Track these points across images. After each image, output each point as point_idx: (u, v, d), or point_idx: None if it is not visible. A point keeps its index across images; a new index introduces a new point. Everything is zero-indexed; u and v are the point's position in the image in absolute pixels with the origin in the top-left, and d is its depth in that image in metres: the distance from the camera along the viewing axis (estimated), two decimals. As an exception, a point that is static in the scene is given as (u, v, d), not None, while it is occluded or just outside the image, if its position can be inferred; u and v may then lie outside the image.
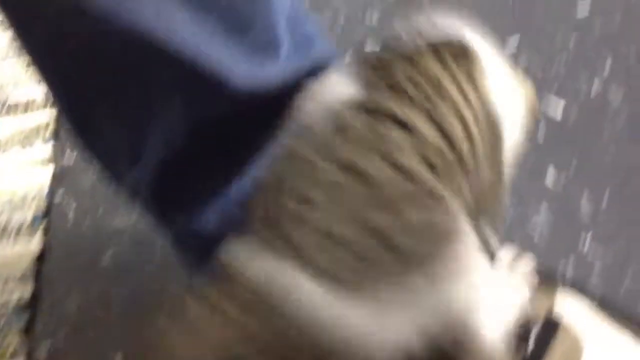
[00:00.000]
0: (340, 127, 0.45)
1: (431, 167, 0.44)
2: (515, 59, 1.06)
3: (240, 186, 0.56)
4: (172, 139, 0.54)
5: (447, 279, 0.42)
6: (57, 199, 0.97)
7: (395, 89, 0.46)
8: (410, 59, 0.47)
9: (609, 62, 1.02)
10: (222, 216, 0.56)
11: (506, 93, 0.49)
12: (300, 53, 0.58)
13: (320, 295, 0.41)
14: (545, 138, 0.91)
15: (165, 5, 0.49)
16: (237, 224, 0.56)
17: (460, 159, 0.44)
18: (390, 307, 0.42)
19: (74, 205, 0.95)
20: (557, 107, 0.95)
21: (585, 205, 0.83)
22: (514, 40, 1.09)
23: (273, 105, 0.56)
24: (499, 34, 1.06)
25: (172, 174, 0.56)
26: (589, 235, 0.80)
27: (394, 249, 0.42)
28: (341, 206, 0.42)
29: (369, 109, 0.45)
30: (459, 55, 0.48)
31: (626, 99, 0.94)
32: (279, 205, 0.43)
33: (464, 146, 0.45)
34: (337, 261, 0.41)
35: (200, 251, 0.60)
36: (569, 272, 0.78)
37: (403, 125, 0.44)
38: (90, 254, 0.91)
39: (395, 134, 0.44)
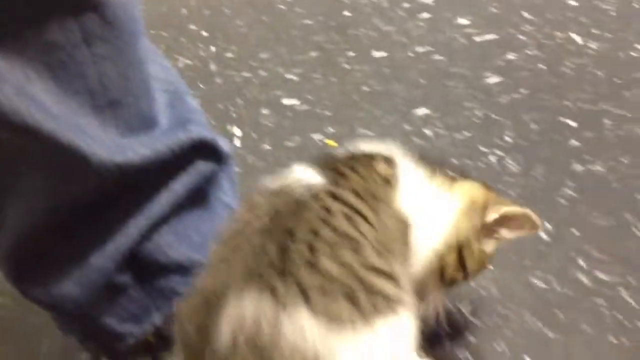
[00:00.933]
0: (325, 208, 0.55)
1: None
2: (423, 128, 1.10)
3: (103, 254, 0.56)
4: (32, 212, 0.54)
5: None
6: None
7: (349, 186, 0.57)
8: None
9: (511, 131, 1.06)
10: (83, 284, 0.56)
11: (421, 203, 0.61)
12: (179, 127, 0.60)
13: (321, 332, 0.48)
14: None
15: (27, 83, 0.49)
16: (102, 291, 0.57)
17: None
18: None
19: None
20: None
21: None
22: (421, 111, 1.14)
23: (145, 177, 0.57)
24: (408, 105, 1.14)
25: (30, 247, 0.56)
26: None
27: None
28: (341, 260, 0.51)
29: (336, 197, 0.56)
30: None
31: (524, 166, 0.99)
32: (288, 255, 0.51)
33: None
34: (335, 303, 0.49)
35: (67, 317, 0.60)
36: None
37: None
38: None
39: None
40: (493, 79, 1.21)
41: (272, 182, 0.59)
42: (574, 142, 1.03)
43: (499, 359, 0.73)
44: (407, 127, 1.11)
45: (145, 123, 0.57)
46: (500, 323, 0.77)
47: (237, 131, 1.12)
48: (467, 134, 1.08)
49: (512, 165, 1.00)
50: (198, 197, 0.62)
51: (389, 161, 0.62)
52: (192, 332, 0.50)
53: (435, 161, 0.66)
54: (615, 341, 0.73)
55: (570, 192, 0.94)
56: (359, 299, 0.50)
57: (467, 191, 0.65)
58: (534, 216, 0.63)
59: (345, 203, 0.56)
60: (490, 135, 1.06)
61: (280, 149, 1.08)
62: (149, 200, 0.57)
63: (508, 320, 0.78)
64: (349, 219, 0.55)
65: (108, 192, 0.55)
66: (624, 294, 0.78)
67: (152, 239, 0.58)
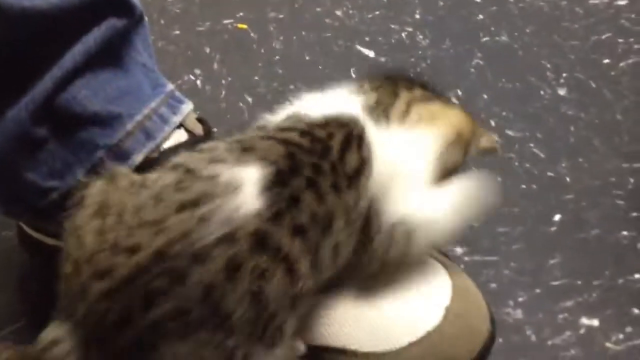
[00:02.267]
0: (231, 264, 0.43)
1: None
2: (335, 10, 1.09)
3: (18, 105, 0.54)
4: None
5: None
6: None
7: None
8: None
9: (420, 9, 1.08)
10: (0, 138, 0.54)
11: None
12: None
13: None
14: (358, 73, 0.96)
15: None
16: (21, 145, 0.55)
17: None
18: None
19: None
20: (371, 47, 0.99)
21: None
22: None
23: (56, 27, 0.54)
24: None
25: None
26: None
27: None
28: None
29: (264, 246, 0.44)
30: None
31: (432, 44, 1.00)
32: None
33: None
34: None
35: None
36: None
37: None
38: None
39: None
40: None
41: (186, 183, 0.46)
42: (480, 17, 1.06)
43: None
44: (318, 9, 1.10)
45: None
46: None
47: (142, 18, 1.08)
48: (377, 13, 1.08)
49: (422, 40, 1.02)
50: (111, 54, 0.59)
51: (360, 142, 0.51)
52: None
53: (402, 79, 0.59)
54: (525, 187, 0.77)
55: (478, 61, 0.97)
56: None
57: (452, 122, 0.57)
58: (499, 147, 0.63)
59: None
60: (399, 14, 1.07)
61: (190, 34, 1.05)
62: (62, 51, 0.55)
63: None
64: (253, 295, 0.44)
65: (20, 43, 0.53)
66: (532, 146, 0.82)
67: (67, 89, 0.55)
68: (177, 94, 0.64)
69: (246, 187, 0.45)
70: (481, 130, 0.61)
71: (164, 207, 0.45)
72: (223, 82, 0.95)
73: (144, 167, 0.58)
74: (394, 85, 0.57)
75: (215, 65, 0.98)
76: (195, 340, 0.42)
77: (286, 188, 0.46)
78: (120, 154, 0.58)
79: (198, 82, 0.95)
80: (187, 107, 0.64)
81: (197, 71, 0.97)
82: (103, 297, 0.43)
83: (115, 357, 0.43)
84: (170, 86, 0.64)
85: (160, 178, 0.48)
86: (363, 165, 0.50)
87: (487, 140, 0.61)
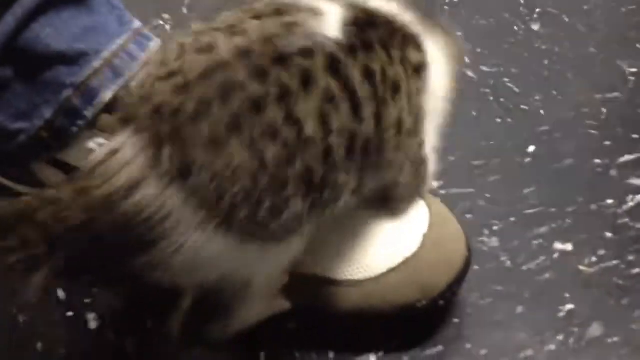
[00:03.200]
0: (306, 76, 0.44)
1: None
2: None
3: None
4: None
5: None
6: None
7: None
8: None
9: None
10: None
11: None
12: None
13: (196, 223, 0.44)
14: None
15: None
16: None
17: None
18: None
19: None
20: None
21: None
22: None
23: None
24: None
25: None
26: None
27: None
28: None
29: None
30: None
31: None
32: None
33: None
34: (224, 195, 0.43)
35: None
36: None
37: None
38: None
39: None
40: None
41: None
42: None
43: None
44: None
45: None
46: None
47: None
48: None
49: (395, -21, 1.00)
50: (74, -8, 0.58)
51: (419, 44, 0.52)
52: None
53: None
54: (500, 120, 0.77)
55: (452, -1, 0.96)
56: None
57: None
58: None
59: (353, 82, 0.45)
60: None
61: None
62: None
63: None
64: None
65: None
66: (507, 81, 0.82)
67: (29, 28, 0.54)
68: (145, 31, 0.63)
69: (328, 15, 0.46)
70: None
71: (237, 18, 0.47)
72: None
73: (113, 106, 0.57)
74: None
75: (185, 10, 0.96)
76: (265, 144, 0.43)
77: (363, 33, 0.46)
78: (88, 92, 0.57)
79: (167, 27, 0.94)
80: (156, 44, 0.63)
81: (166, 16, 0.95)
82: (176, 92, 0.44)
83: (188, 152, 0.43)
84: (137, 23, 0.63)
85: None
86: (423, 65, 0.51)
87: None
